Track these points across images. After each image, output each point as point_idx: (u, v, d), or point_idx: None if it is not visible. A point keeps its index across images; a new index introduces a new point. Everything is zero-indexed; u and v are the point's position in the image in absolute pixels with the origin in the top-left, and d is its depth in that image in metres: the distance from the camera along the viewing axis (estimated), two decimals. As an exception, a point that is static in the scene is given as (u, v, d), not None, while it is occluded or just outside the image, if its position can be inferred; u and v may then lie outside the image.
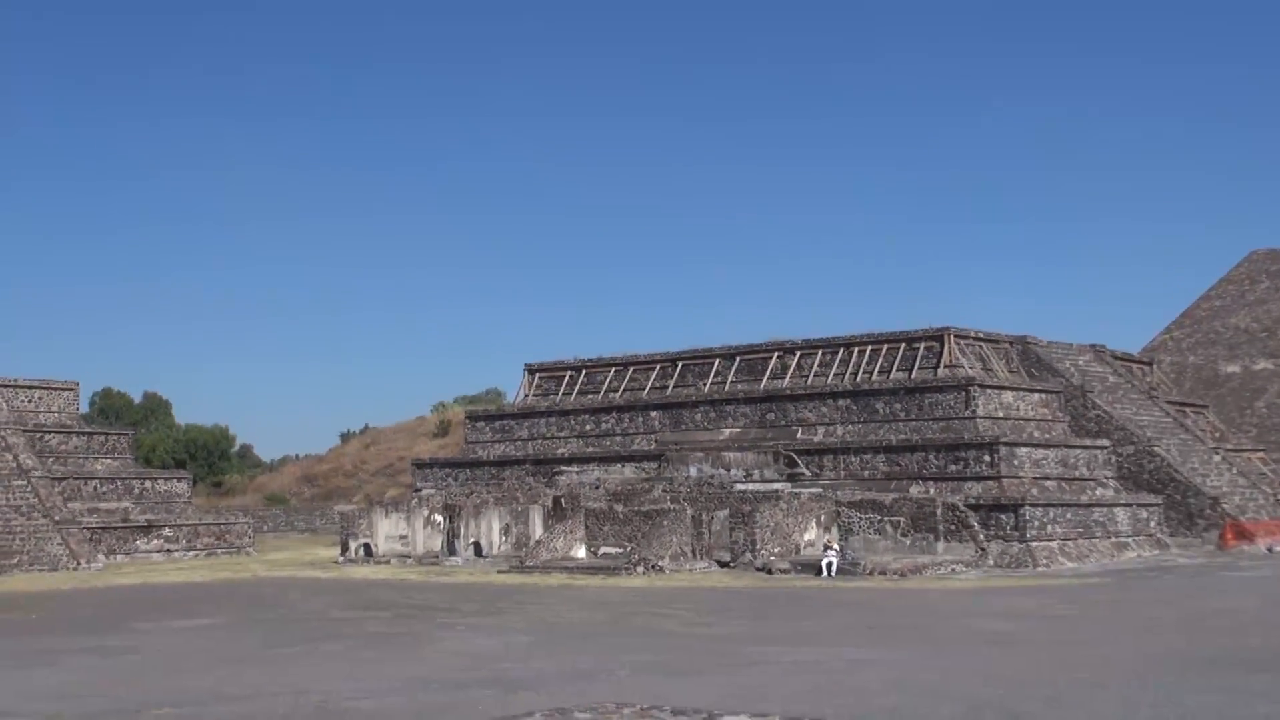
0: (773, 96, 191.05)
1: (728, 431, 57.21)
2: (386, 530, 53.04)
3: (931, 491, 47.37)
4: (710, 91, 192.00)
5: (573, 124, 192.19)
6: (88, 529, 54.41)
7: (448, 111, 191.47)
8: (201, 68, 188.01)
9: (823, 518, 46.45)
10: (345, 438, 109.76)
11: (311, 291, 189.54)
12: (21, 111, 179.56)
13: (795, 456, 52.78)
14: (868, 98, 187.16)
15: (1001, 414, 52.62)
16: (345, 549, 53.34)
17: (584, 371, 66.01)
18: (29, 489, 54.93)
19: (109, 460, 62.19)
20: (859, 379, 55.75)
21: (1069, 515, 47.11)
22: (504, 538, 50.91)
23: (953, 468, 49.50)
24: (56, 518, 53.77)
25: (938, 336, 55.56)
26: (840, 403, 54.78)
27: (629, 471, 56.52)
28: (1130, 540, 49.52)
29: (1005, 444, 49.00)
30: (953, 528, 44.21)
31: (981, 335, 57.61)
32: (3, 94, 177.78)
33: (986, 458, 48.84)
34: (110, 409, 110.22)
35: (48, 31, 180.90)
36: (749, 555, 44.38)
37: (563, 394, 65.71)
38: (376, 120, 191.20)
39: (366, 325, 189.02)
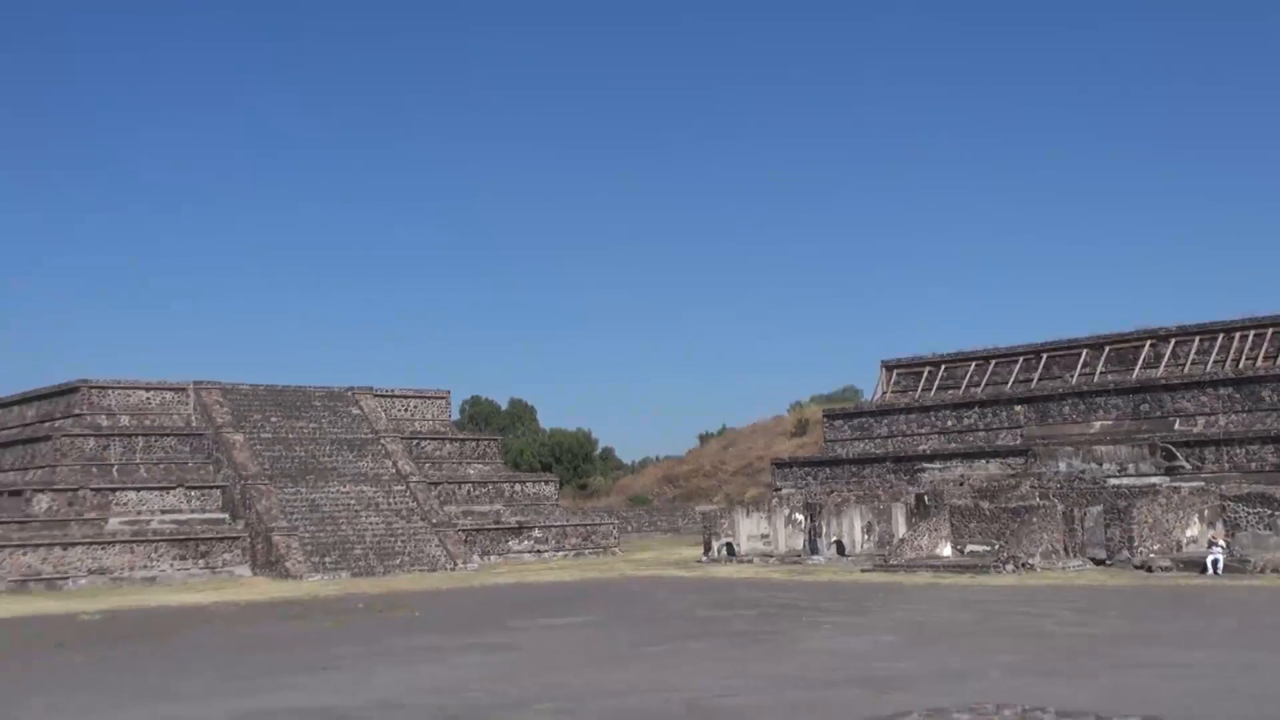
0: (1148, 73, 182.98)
1: (1098, 424, 54.87)
2: (748, 530, 53.24)
3: (1327, 483, 44.15)
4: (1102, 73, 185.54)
5: (940, 100, 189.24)
6: (463, 531, 56.72)
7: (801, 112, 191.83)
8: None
9: (1205, 513, 43.87)
10: (703, 439, 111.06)
11: (666, 295, 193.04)
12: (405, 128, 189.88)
13: (1173, 449, 50.12)
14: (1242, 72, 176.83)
15: (1404, 398, 48.62)
16: (708, 548, 53.81)
17: (943, 366, 64.64)
18: (408, 493, 57.68)
19: (480, 465, 64.67)
20: (1241, 365, 52.54)
21: None
22: (866, 536, 50.25)
23: (1350, 457, 45.99)
24: (434, 520, 56.26)
25: (1330, 317, 51.85)
26: (1222, 391, 51.73)
27: (993, 467, 54.94)
28: None
29: None
30: (1353, 522, 41.01)
31: (1381, 313, 53.37)
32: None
33: (1389, 446, 45.19)
34: (479, 415, 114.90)
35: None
36: (1125, 553, 42.35)
37: (921, 390, 64.53)
38: (720, 121, 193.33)
39: (721, 327, 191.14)
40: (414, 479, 58.62)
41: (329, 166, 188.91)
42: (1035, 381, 59.70)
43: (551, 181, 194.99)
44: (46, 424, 57.91)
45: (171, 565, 50.68)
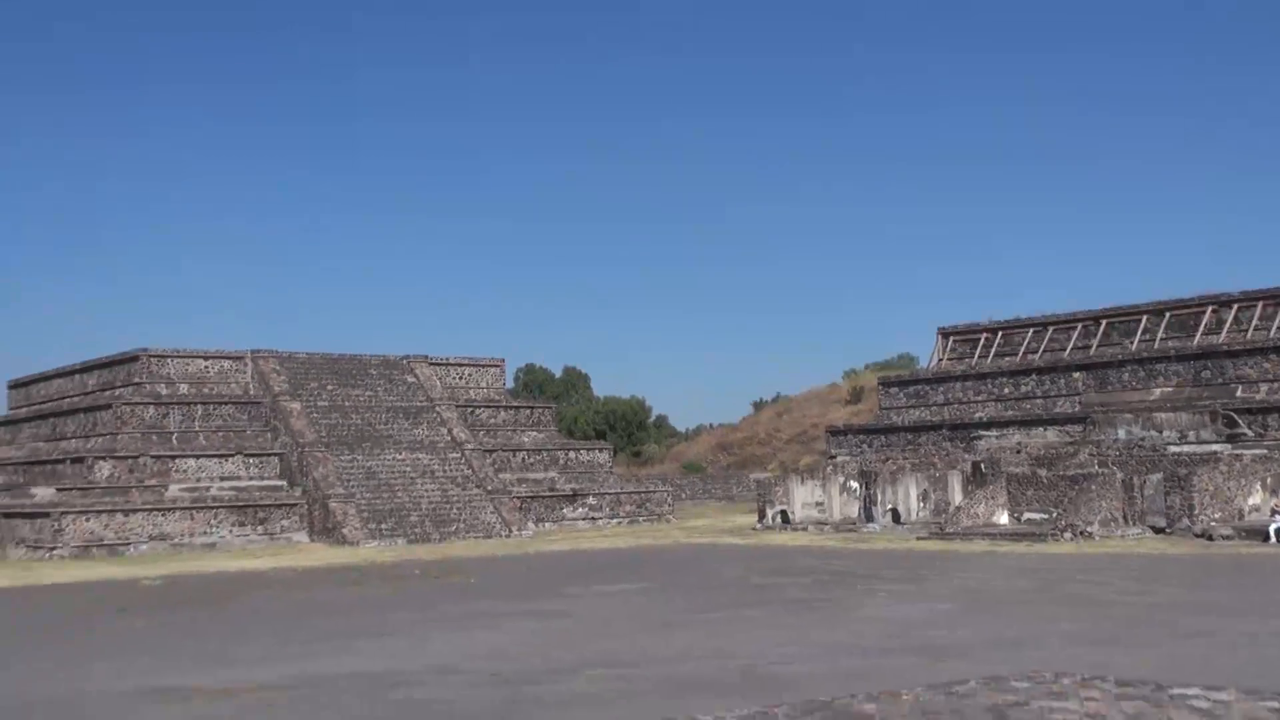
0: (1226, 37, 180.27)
1: (1158, 391, 54.28)
2: (802, 497, 53.12)
3: (1393, 451, 43.42)
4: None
5: (984, 63, 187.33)
6: (518, 498, 56.92)
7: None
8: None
9: (1268, 480, 43.34)
10: (758, 406, 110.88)
11: (719, 261, 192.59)
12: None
13: (1235, 416, 49.49)
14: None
15: None
16: (762, 516, 53.76)
17: (1000, 333, 64.09)
18: (463, 461, 57.93)
19: (534, 432, 64.85)
20: (1305, 331, 51.76)
21: None
22: (922, 504, 50.03)
23: None
24: (489, 487, 56.49)
25: (1397, 281, 50.88)
26: (1286, 358, 51.03)
27: (1051, 435, 54.49)
28: None
29: None
30: None
31: None
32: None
33: None
34: (533, 383, 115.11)
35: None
36: (1185, 521, 41.93)
37: (978, 357, 64.04)
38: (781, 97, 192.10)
39: (775, 294, 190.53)
40: (469, 446, 58.86)
41: (382, 135, 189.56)
42: (1094, 348, 59.11)
43: (602, 148, 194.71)
44: (107, 392, 58.55)
45: (230, 531, 51.20)
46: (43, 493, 52.54)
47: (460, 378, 65.48)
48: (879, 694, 11.78)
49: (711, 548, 44.81)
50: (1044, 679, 12.42)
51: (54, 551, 46.97)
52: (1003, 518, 46.00)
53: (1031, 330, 62.69)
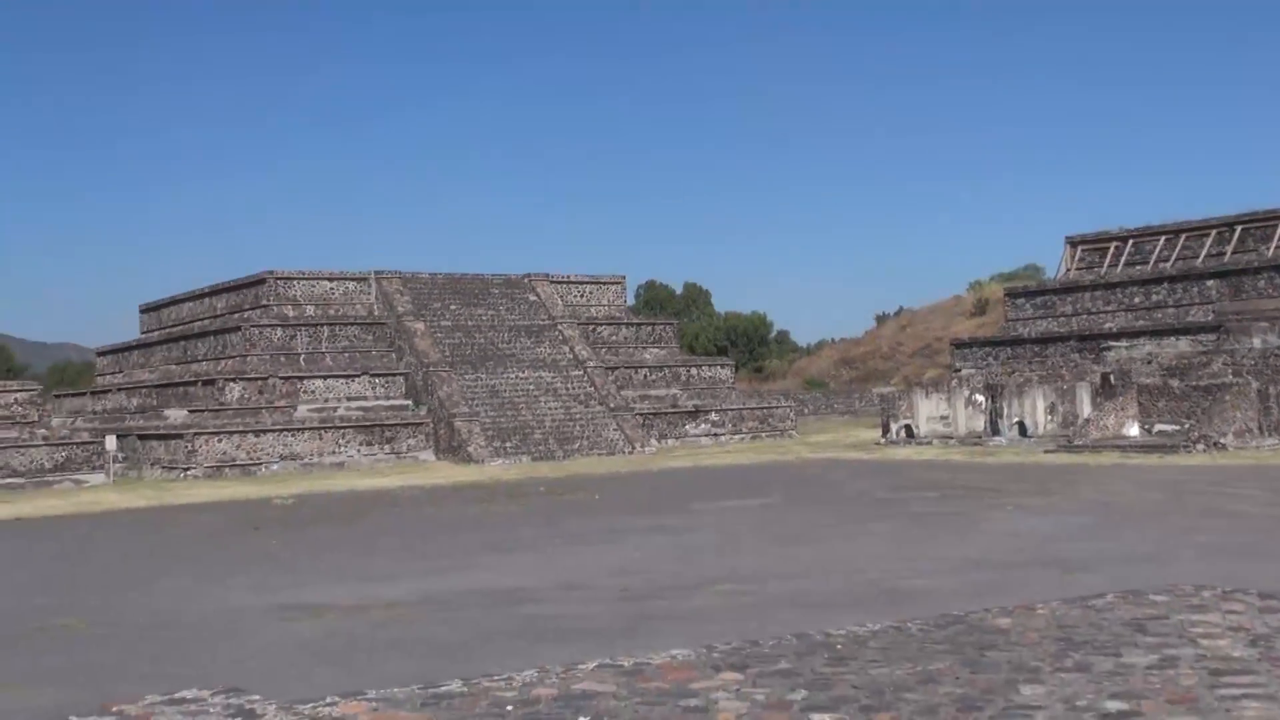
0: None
1: (1295, 299, 52.73)
2: (927, 411, 52.62)
3: None
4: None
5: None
6: (640, 415, 57.12)
7: None
8: None
9: None
10: (880, 320, 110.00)
11: (838, 171, 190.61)
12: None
13: (1376, 323, 47.99)
14: None
15: None
16: (886, 430, 53.38)
17: (1130, 241, 62.59)
18: (585, 378, 58.22)
19: (656, 349, 64.90)
20: None
21: None
22: (1049, 416, 49.27)
23: None
24: (611, 405, 56.74)
25: None
26: None
27: (1183, 344, 53.27)
28: None
29: None
30: None
31: None
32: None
33: None
34: (654, 300, 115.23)
35: None
36: (1324, 431, 40.84)
37: (1108, 266, 62.66)
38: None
39: (896, 206, 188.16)
40: (591, 364, 59.10)
41: (500, 54, 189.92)
42: (1229, 255, 57.48)
43: (719, 70, 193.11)
44: (236, 315, 59.64)
45: (358, 450, 52.08)
46: (175, 414, 53.84)
47: (581, 295, 65.66)
48: (1013, 608, 11.63)
49: (835, 463, 44.64)
50: (1184, 592, 12.17)
51: (188, 472, 48.18)
52: (1133, 430, 45.18)
53: (1163, 238, 61.13)
